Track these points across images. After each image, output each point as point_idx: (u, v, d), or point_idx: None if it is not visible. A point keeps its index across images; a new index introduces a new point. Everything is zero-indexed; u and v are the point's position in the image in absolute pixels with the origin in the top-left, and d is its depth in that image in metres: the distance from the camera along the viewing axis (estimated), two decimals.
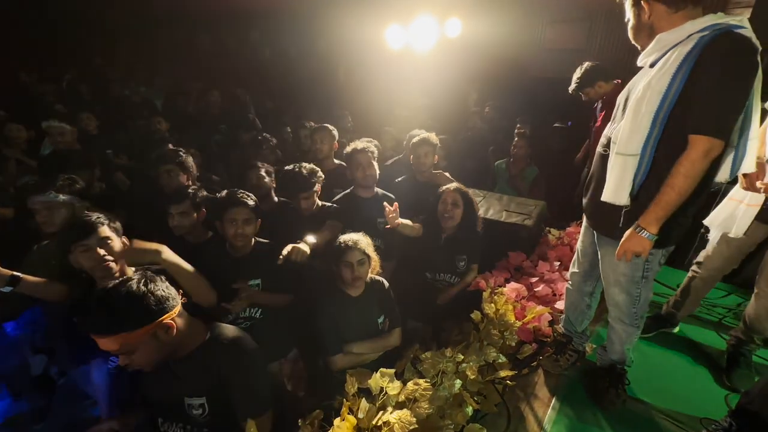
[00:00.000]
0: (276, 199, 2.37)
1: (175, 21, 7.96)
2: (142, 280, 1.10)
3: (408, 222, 2.14)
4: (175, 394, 1.23)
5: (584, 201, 1.61)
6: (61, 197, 1.71)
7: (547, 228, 3.02)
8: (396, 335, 1.88)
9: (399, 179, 2.69)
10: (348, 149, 2.38)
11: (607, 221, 1.46)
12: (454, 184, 2.29)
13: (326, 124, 2.88)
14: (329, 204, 2.32)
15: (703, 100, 1.16)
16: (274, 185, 2.38)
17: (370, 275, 1.84)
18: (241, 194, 1.76)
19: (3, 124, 3.29)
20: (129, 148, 3.66)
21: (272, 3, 6.47)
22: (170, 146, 2.56)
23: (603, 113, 3.02)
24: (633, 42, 1.40)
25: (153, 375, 1.22)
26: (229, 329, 1.32)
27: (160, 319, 1.10)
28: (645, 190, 1.32)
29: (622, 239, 1.35)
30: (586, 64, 2.91)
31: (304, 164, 2.21)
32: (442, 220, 2.22)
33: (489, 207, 2.85)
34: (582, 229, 1.74)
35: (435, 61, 4.84)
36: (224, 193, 1.80)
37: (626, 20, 1.39)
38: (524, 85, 4.88)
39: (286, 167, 2.23)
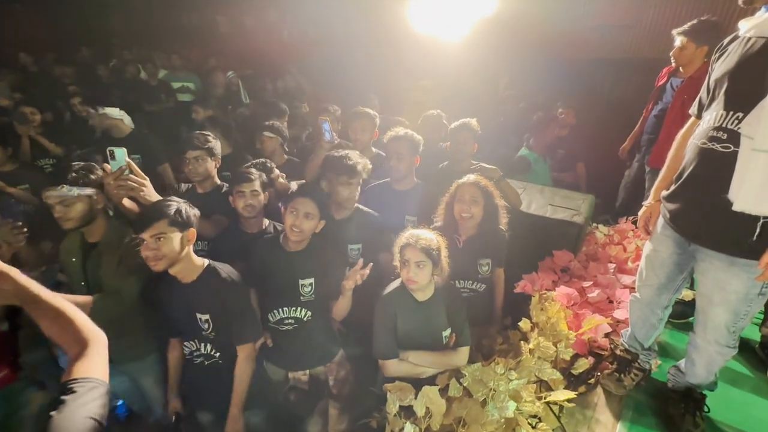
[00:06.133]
0: None
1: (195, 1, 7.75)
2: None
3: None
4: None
5: (674, 207, 1.34)
6: (76, 190, 1.53)
7: (594, 224, 2.77)
8: (462, 355, 1.64)
9: (441, 165, 2.48)
10: (386, 137, 2.21)
11: (727, 234, 1.20)
12: (471, 176, 1.92)
13: (368, 110, 2.51)
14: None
15: None
16: None
17: (439, 279, 1.60)
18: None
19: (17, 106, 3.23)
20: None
21: None
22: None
23: (684, 95, 2.49)
24: None
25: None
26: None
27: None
28: None
29: None
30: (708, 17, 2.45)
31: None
32: (459, 220, 1.87)
33: (531, 201, 2.60)
34: (656, 237, 1.49)
35: (463, 40, 4.50)
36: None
37: None
38: (562, 66, 4.52)
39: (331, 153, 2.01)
